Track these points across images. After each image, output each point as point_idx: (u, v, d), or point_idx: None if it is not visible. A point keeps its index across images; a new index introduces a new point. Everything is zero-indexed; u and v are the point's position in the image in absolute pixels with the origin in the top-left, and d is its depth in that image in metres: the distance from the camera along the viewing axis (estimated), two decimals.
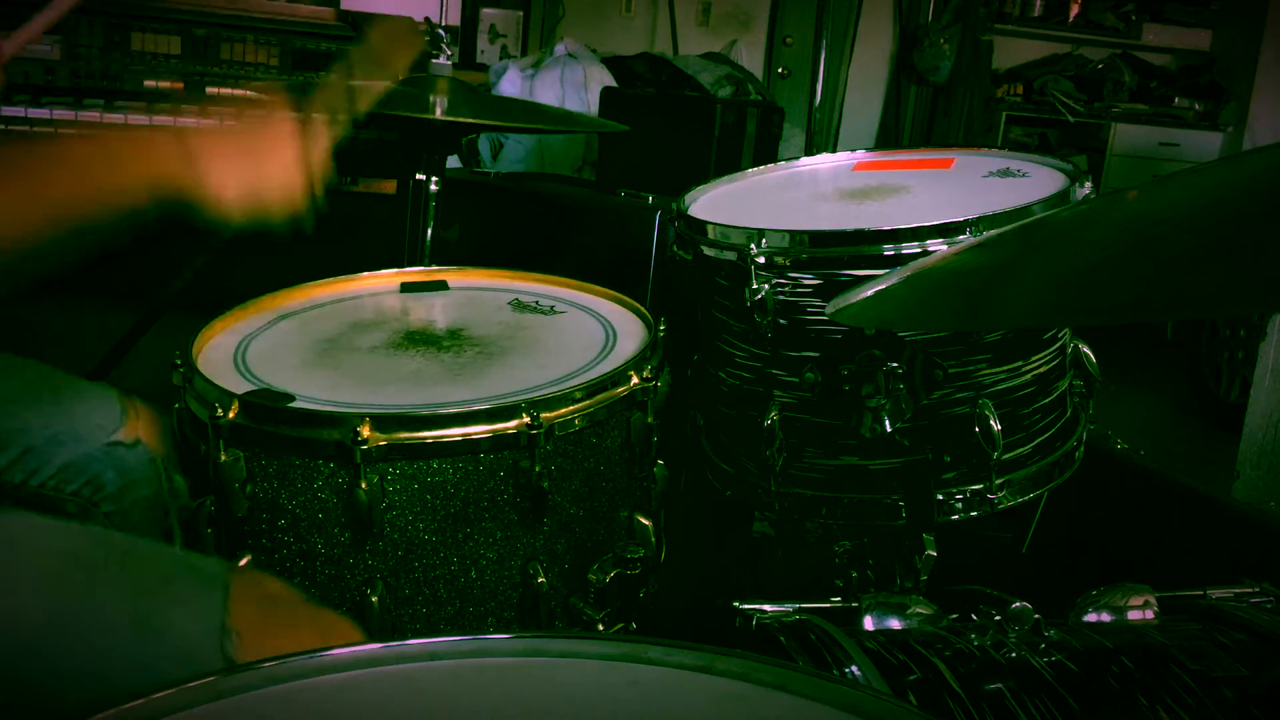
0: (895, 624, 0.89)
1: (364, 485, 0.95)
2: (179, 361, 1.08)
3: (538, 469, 0.98)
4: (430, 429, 0.96)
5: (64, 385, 1.10)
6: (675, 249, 1.35)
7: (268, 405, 0.99)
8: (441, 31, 1.63)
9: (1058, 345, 1.28)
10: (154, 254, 2.12)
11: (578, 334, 1.23)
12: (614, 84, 2.85)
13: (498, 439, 0.97)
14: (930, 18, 5.29)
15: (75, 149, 0.88)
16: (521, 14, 4.24)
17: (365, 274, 1.41)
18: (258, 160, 0.90)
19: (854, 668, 0.78)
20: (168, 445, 1.12)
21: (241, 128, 0.92)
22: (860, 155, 1.59)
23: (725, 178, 1.55)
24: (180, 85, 2.03)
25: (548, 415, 0.99)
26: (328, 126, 0.99)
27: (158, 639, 0.73)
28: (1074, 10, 5.59)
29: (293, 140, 0.93)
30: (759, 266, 1.20)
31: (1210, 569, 1.38)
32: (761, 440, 1.24)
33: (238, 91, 2.07)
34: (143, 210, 0.85)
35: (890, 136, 5.44)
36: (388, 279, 1.42)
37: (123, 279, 2.22)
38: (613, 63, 2.99)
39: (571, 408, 1.02)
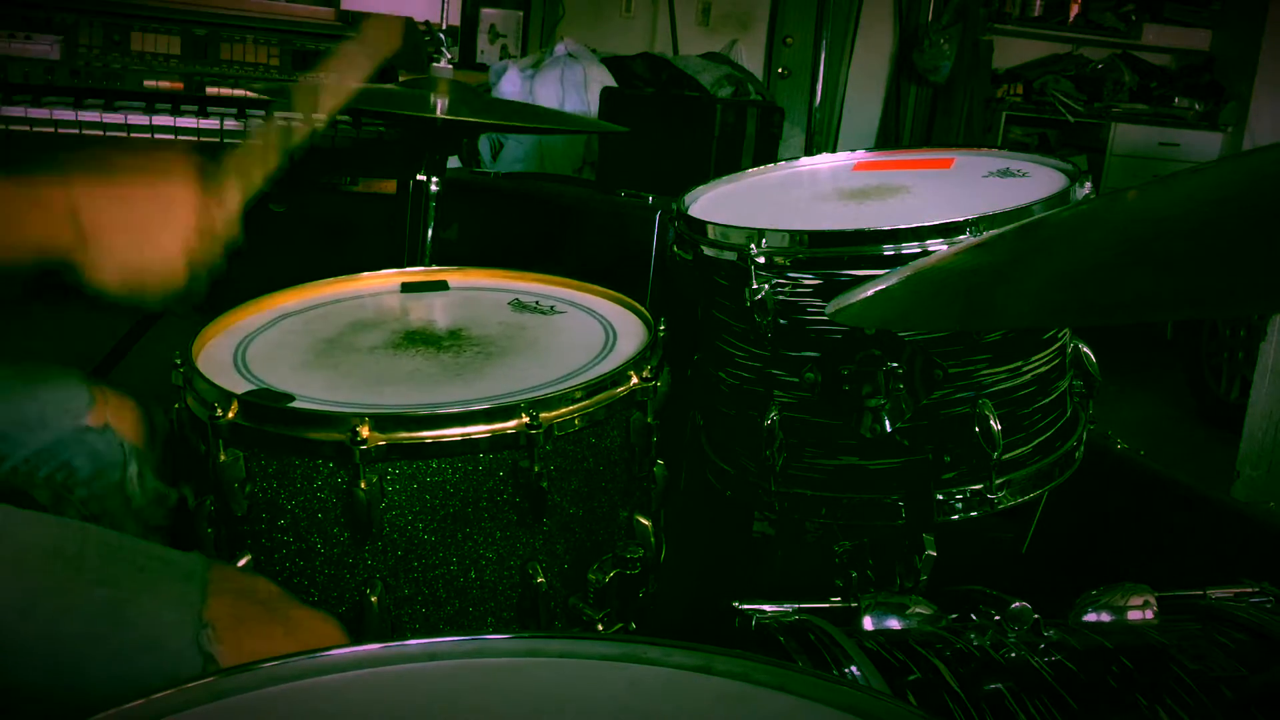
0: (895, 624, 0.89)
1: (363, 485, 0.95)
2: (179, 361, 1.08)
3: (537, 469, 0.98)
4: (430, 429, 0.96)
5: (30, 372, 1.09)
6: (675, 249, 1.35)
7: (267, 405, 0.99)
8: (441, 35, 1.63)
9: (1058, 345, 1.28)
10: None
11: (577, 334, 1.23)
12: (614, 84, 2.85)
13: (497, 439, 0.97)
14: (930, 18, 5.29)
15: None
16: (521, 14, 4.25)
17: (365, 274, 1.41)
18: (144, 234, 0.86)
19: (853, 668, 0.78)
20: (143, 431, 1.11)
21: (134, 194, 0.87)
22: (860, 155, 1.59)
23: (725, 178, 1.55)
24: (180, 85, 2.03)
25: (547, 415, 0.99)
26: (236, 191, 0.96)
27: (131, 629, 0.73)
28: (1074, 10, 5.59)
29: (187, 213, 0.89)
30: (759, 266, 1.20)
31: (1210, 569, 1.38)
32: (761, 440, 1.24)
33: (237, 92, 2.07)
34: (22, 265, 0.82)
35: (890, 136, 5.44)
36: (388, 279, 1.42)
37: None
38: (613, 63, 2.99)
39: (571, 408, 1.02)
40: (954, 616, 0.90)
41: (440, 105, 1.63)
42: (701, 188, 1.49)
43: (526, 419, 0.97)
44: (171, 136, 1.92)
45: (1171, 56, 5.78)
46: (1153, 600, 0.91)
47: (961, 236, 1.13)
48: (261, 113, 2.01)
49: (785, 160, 1.61)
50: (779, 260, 1.20)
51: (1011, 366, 1.21)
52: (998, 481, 1.20)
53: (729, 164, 2.28)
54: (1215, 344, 3.78)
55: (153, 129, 1.91)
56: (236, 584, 0.83)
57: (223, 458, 0.98)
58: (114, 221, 0.85)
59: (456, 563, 1.00)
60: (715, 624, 0.91)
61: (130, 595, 0.75)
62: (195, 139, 1.94)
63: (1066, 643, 0.84)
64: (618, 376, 1.07)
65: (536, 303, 1.33)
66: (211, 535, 1.03)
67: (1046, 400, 1.26)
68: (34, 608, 0.72)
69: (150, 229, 0.87)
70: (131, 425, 1.10)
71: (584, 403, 1.03)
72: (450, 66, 1.72)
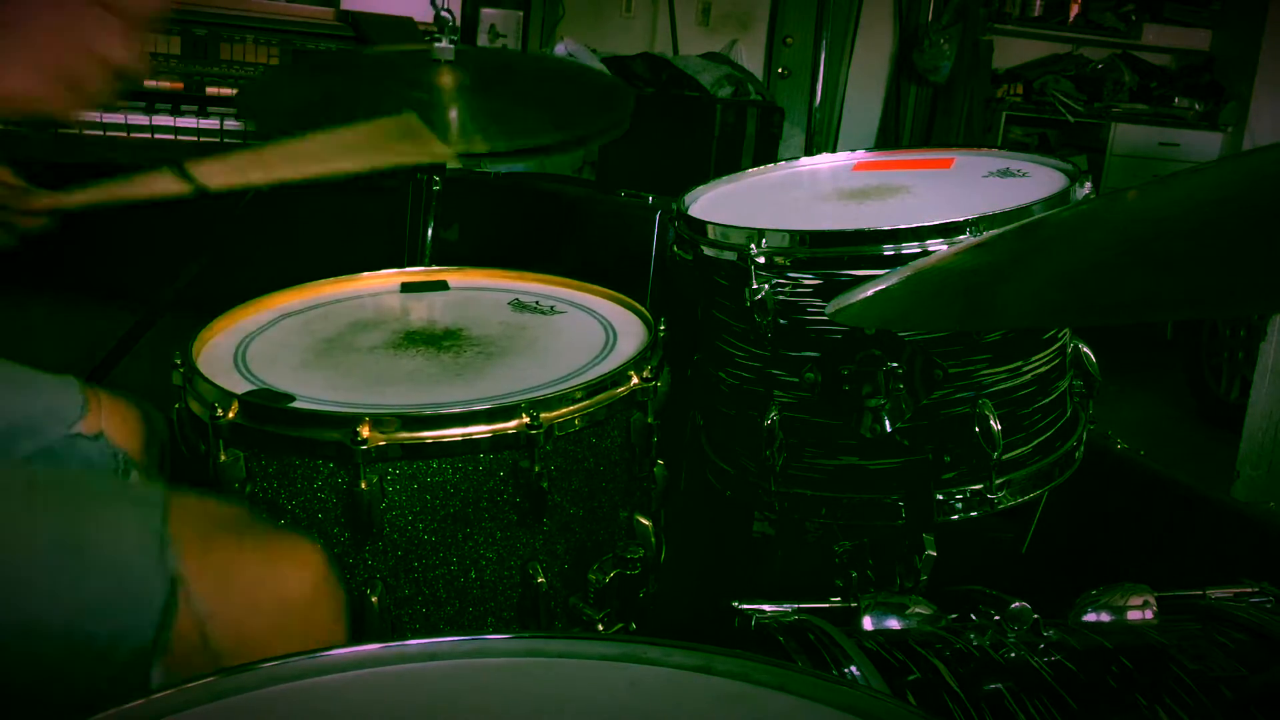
0: (894, 624, 0.89)
1: (364, 485, 0.95)
2: (179, 361, 1.08)
3: (537, 469, 0.98)
4: (430, 429, 0.96)
5: (23, 377, 1.07)
6: (675, 249, 1.35)
7: (268, 405, 0.99)
8: (446, 14, 1.61)
9: (1058, 345, 1.28)
10: (154, 254, 2.13)
11: (578, 334, 1.23)
12: None
13: (497, 439, 0.97)
14: (930, 18, 5.30)
15: None
16: (521, 14, 4.24)
17: (365, 274, 1.41)
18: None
19: (853, 668, 0.78)
20: (140, 437, 1.10)
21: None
22: (860, 155, 1.59)
23: (725, 178, 1.55)
24: (180, 85, 2.03)
25: (547, 415, 0.99)
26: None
27: (90, 553, 0.72)
28: (1074, 10, 5.59)
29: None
30: (759, 266, 1.20)
31: (1210, 569, 1.38)
32: (761, 440, 1.24)
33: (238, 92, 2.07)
34: None
35: (890, 136, 5.44)
36: (388, 279, 1.42)
37: (122, 279, 2.22)
38: (613, 63, 2.99)
39: (571, 408, 1.02)
40: (954, 616, 0.90)
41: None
42: (701, 188, 1.49)
43: (527, 419, 0.97)
44: (171, 136, 1.92)
45: (1171, 56, 5.78)
46: (1153, 600, 0.91)
47: (961, 236, 1.13)
48: None
49: (785, 160, 1.61)
50: (779, 260, 1.20)
51: (1011, 366, 1.21)
52: (998, 481, 1.21)
53: (729, 164, 2.29)
54: (1215, 344, 3.79)
55: (153, 129, 1.91)
56: (200, 509, 0.81)
57: (223, 458, 0.98)
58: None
59: (457, 563, 1.00)
60: (715, 624, 0.91)
61: (87, 522, 0.74)
62: (195, 139, 1.94)
63: (1066, 643, 0.84)
64: (618, 376, 1.07)
65: (537, 303, 1.33)
66: None
67: (1046, 400, 1.26)
68: None
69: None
70: (127, 432, 1.08)
71: (584, 403, 1.03)
72: (450, 46, 1.71)
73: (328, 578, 0.80)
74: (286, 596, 0.77)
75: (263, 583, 0.76)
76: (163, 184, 1.03)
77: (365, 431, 0.93)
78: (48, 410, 1.05)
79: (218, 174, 1.05)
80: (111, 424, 1.07)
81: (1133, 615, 0.90)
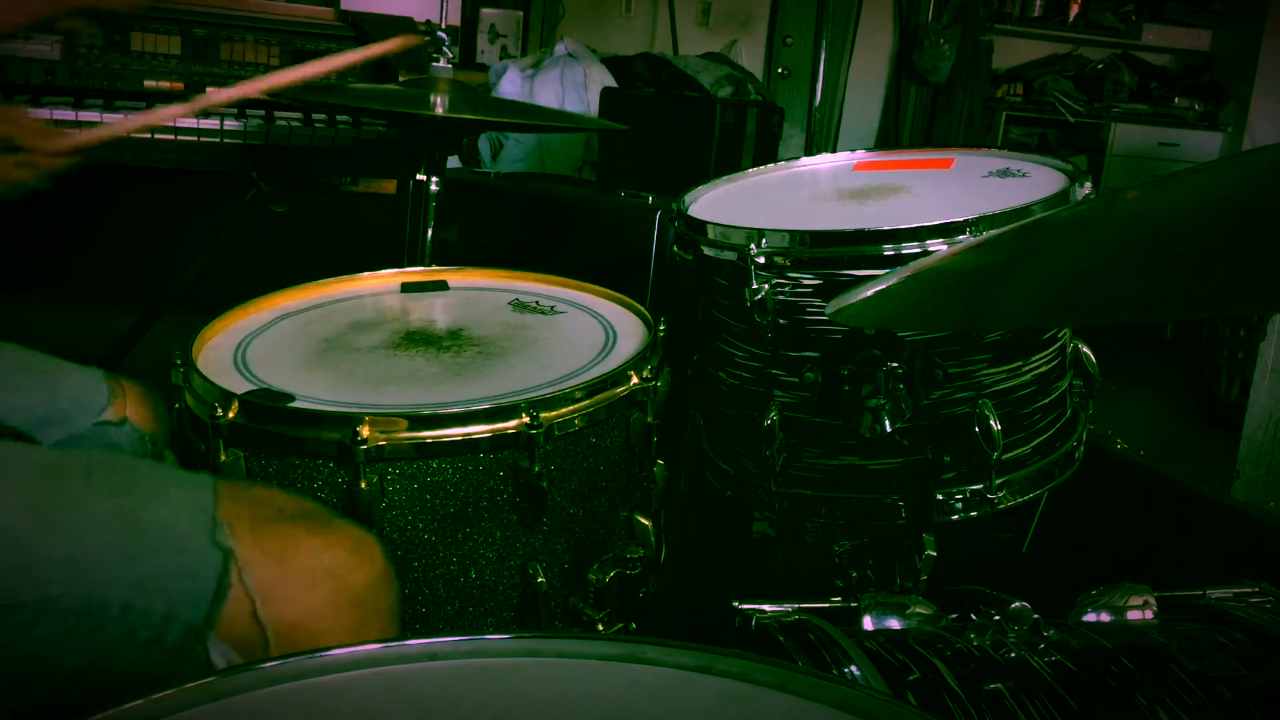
0: (895, 624, 0.89)
1: (364, 485, 0.95)
2: (179, 361, 1.08)
3: (537, 469, 0.98)
4: (430, 429, 0.96)
5: (49, 367, 1.09)
6: (675, 249, 1.35)
7: (268, 405, 0.99)
8: (442, 34, 1.63)
9: (1058, 345, 1.28)
10: (154, 254, 2.13)
11: (578, 334, 1.23)
12: (614, 84, 2.85)
13: (497, 439, 0.97)
14: (930, 18, 5.29)
15: None
16: (521, 14, 4.25)
17: (365, 274, 1.41)
18: None
19: (853, 668, 0.78)
20: (161, 423, 1.11)
21: None
22: (860, 155, 1.59)
23: (725, 178, 1.55)
24: (180, 85, 2.03)
25: (548, 415, 0.99)
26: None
27: (146, 532, 0.73)
28: (1074, 10, 5.58)
29: None
30: (759, 266, 1.20)
31: (1210, 569, 1.38)
32: (761, 440, 1.24)
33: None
34: None
35: (890, 136, 5.44)
36: (388, 279, 1.42)
37: (123, 279, 2.22)
38: (613, 63, 2.99)
39: (571, 407, 1.02)
40: (954, 616, 0.90)
41: (440, 103, 1.63)
42: (701, 188, 1.49)
43: (527, 419, 0.97)
44: (172, 136, 1.91)
45: (1171, 56, 5.77)
46: (1153, 600, 0.91)
47: (961, 236, 1.13)
48: (261, 112, 2.01)
49: (785, 160, 1.61)
50: (779, 260, 1.20)
51: (1011, 366, 1.21)
52: (998, 481, 1.20)
53: (729, 164, 2.28)
54: (1215, 344, 3.78)
55: (153, 129, 1.90)
56: (251, 493, 0.82)
57: (223, 458, 0.98)
58: None
59: (456, 562, 1.00)
60: (715, 624, 0.91)
61: (142, 503, 0.75)
62: (195, 139, 1.94)
63: (1066, 643, 0.84)
64: (618, 376, 1.07)
65: (537, 303, 1.33)
66: None
67: (1046, 400, 1.26)
68: (53, 520, 0.72)
69: None
70: (151, 418, 1.11)
71: (584, 403, 1.03)
72: (450, 66, 1.72)
73: (386, 571, 0.80)
74: (344, 581, 0.76)
75: (320, 565, 0.76)
76: (175, 110, 1.14)
77: (365, 431, 0.93)
78: (74, 400, 1.07)
79: (225, 94, 1.16)
80: (136, 411, 1.09)
81: (1133, 615, 0.90)
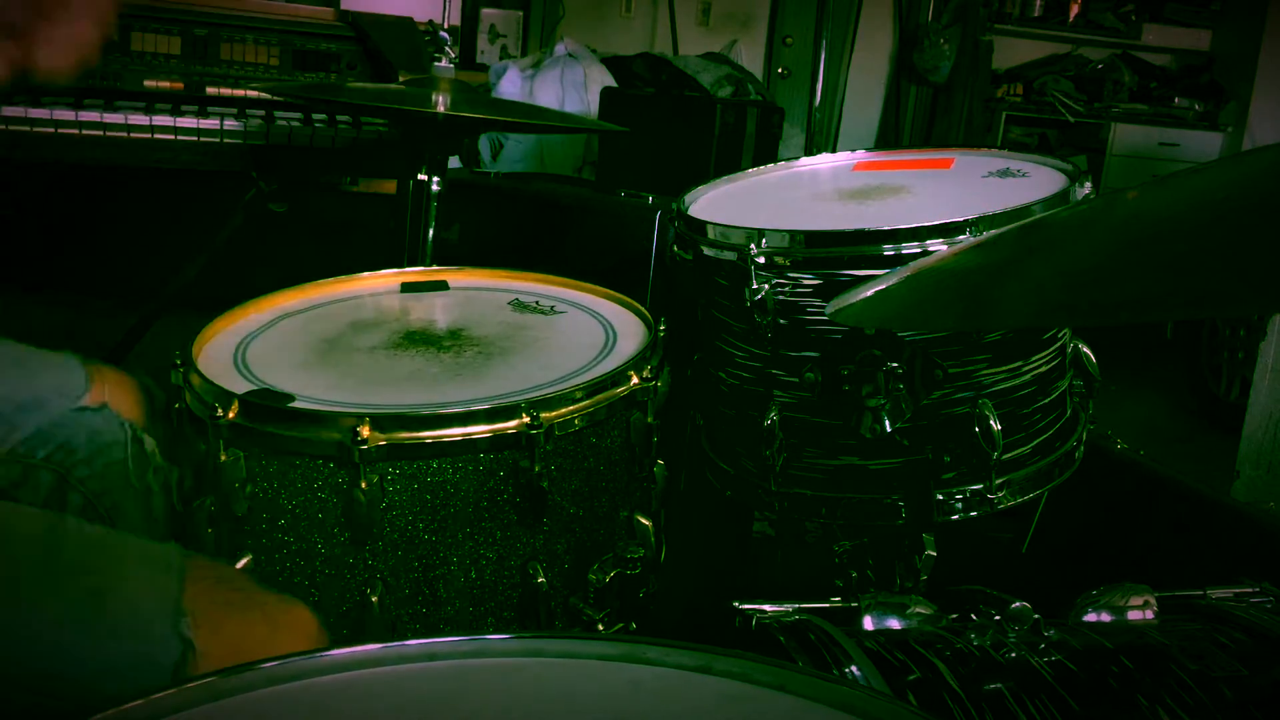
0: (895, 624, 0.89)
1: (364, 485, 0.95)
2: (179, 361, 1.08)
3: (538, 469, 0.98)
4: (430, 429, 0.96)
5: (26, 355, 1.09)
6: (675, 249, 1.35)
7: (268, 405, 0.99)
8: (444, 34, 1.63)
9: (1058, 345, 1.28)
10: (154, 254, 2.13)
11: (578, 334, 1.23)
12: (614, 84, 2.85)
13: (497, 439, 0.97)
14: (930, 18, 5.30)
15: None
16: (521, 14, 4.25)
17: (365, 274, 1.41)
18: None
19: (853, 668, 0.78)
20: (141, 408, 1.11)
21: None
22: (860, 155, 1.59)
23: (725, 178, 1.55)
24: (180, 85, 2.03)
25: (548, 415, 0.99)
26: None
27: (113, 616, 0.73)
28: (1074, 10, 5.59)
29: None
30: (759, 266, 1.20)
31: (1210, 569, 1.38)
32: (761, 440, 1.24)
33: (238, 92, 2.07)
34: None
35: (890, 136, 5.44)
36: (388, 279, 1.42)
37: (123, 279, 2.22)
38: (613, 63, 2.99)
39: (571, 408, 1.02)
40: (954, 616, 0.90)
41: (441, 102, 1.63)
42: (701, 188, 1.49)
43: (527, 419, 0.97)
44: (171, 136, 1.91)
45: (1171, 56, 5.78)
46: (1153, 600, 0.91)
47: (961, 236, 1.13)
48: (261, 112, 2.01)
49: (785, 160, 1.61)
50: (779, 260, 1.20)
51: (1011, 366, 1.21)
52: (998, 481, 1.20)
53: (729, 164, 2.28)
54: (1215, 344, 3.78)
55: (153, 129, 1.90)
56: (213, 573, 0.83)
57: (223, 458, 0.98)
58: None
59: (457, 563, 1.00)
60: (715, 624, 0.91)
61: (110, 584, 0.76)
62: (195, 139, 1.94)
63: (1066, 643, 0.84)
64: (618, 376, 1.07)
65: (537, 303, 1.33)
66: (211, 535, 1.03)
67: (1046, 400, 1.26)
68: (18, 593, 0.72)
69: None
70: (131, 403, 1.10)
71: (584, 403, 1.03)
72: (451, 66, 1.72)
73: (319, 638, 0.82)
74: None
75: (266, 650, 0.77)
76: None
77: (365, 431, 0.93)
78: (52, 386, 1.07)
79: None
80: (115, 396, 1.09)
81: (1133, 615, 0.90)
